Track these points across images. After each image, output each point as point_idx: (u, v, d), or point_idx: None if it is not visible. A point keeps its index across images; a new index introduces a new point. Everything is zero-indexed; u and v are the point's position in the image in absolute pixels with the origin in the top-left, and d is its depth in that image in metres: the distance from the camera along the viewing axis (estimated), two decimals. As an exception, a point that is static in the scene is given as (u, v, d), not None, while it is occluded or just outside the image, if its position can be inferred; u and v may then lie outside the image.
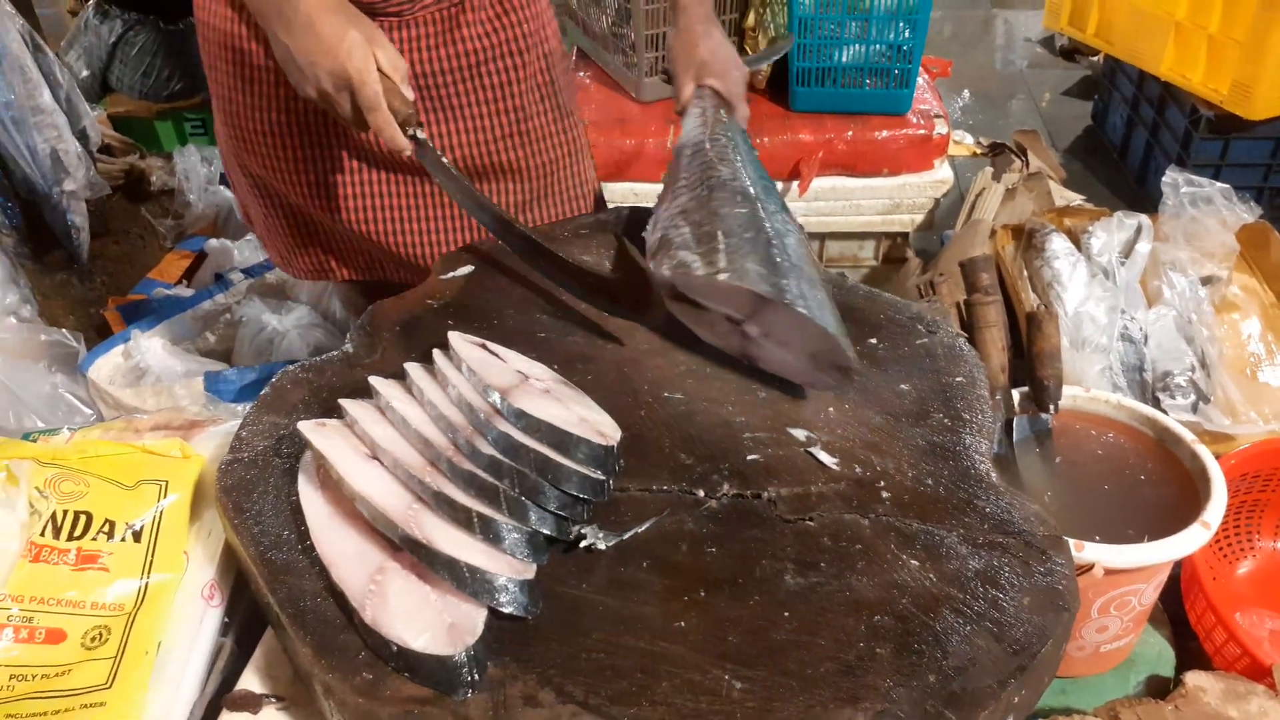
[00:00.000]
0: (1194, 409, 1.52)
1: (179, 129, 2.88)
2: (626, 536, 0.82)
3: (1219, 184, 1.84)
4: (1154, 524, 1.10)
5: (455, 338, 0.98)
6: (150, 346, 1.87)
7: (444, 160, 1.14)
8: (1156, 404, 1.53)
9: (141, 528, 0.93)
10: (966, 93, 3.74)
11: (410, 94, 1.10)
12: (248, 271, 2.20)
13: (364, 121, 1.09)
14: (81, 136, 2.32)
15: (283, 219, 1.46)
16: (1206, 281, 1.74)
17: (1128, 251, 1.77)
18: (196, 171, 2.58)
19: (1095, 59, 3.70)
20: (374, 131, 1.09)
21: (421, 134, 1.11)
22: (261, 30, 1.26)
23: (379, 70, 1.07)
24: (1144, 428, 1.25)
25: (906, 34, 2.07)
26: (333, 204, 1.38)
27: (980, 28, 4.43)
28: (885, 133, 2.13)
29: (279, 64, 1.12)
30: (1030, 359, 1.29)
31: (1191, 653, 1.24)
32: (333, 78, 1.06)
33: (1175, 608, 1.28)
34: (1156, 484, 1.19)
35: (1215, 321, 1.66)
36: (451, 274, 1.21)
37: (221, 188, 2.59)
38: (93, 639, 0.87)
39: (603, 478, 0.85)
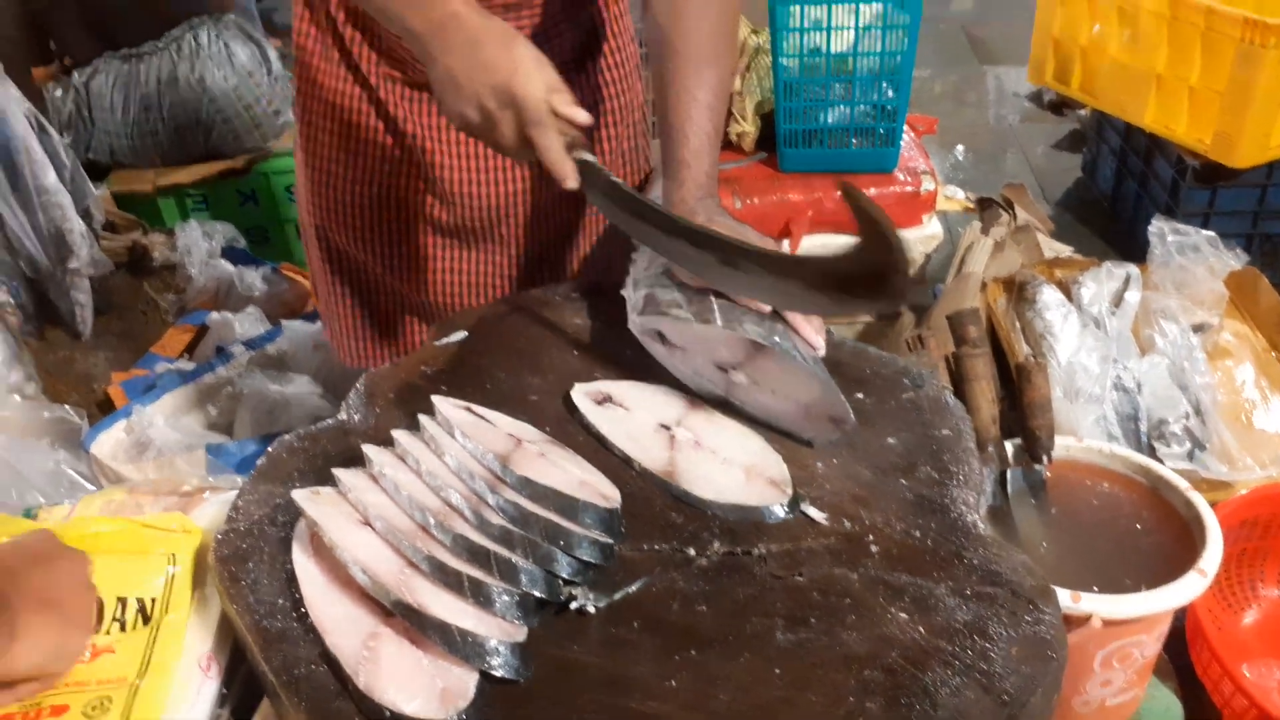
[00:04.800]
0: (1190, 457, 1.52)
1: (181, 205, 2.93)
2: (617, 597, 0.83)
3: (1205, 232, 1.86)
4: (1151, 573, 1.09)
5: (440, 401, 0.99)
6: (152, 421, 1.89)
7: (615, 179, 1.06)
8: (1153, 453, 1.54)
9: (145, 604, 0.93)
10: (960, 148, 3.80)
11: (582, 116, 1.05)
12: (249, 344, 2.22)
13: (524, 145, 1.05)
14: (85, 215, 2.37)
15: (352, 297, 1.47)
16: (1198, 329, 1.75)
17: (1118, 301, 1.79)
18: (198, 246, 2.63)
19: (1082, 112, 3.76)
20: (540, 152, 1.04)
21: (589, 156, 1.06)
22: (377, 97, 1.30)
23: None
24: (1138, 476, 1.25)
25: (890, 94, 2.11)
26: (421, 279, 1.40)
27: (970, 85, 4.51)
28: (873, 190, 2.16)
29: (435, 89, 1.07)
30: (1021, 410, 1.30)
31: (1200, 705, 1.23)
32: (497, 94, 1.02)
33: (1182, 659, 1.27)
34: (1152, 533, 1.19)
35: (1208, 369, 1.67)
36: (445, 340, 1.23)
37: (223, 261, 2.63)
38: (94, 707, 0.87)
39: (611, 541, 0.86)
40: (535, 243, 1.43)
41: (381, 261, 1.40)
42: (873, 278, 0.89)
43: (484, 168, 1.34)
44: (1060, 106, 4.01)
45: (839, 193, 2.18)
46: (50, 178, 2.18)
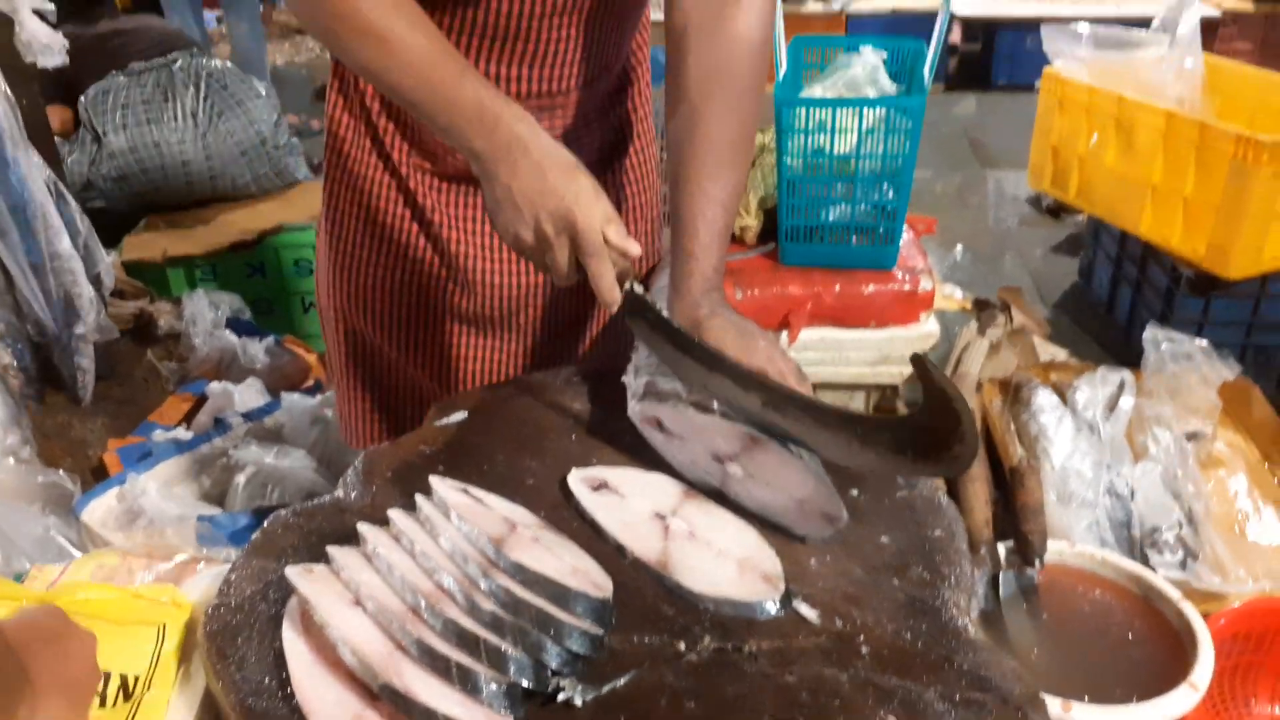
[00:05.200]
0: (1183, 566, 1.52)
1: (189, 275, 2.97)
2: (605, 690, 0.82)
3: (1199, 341, 1.89)
4: (1143, 684, 1.09)
5: (437, 482, 1.00)
6: (145, 489, 1.88)
7: (663, 314, 1.09)
8: (1145, 560, 1.53)
9: (128, 680, 0.92)
10: (959, 248, 3.86)
11: (634, 249, 1.08)
12: (248, 415, 2.23)
13: (573, 270, 1.08)
14: (95, 281, 2.40)
15: (367, 381, 1.49)
16: (1191, 437, 1.76)
17: (1112, 406, 1.81)
18: (204, 316, 2.65)
19: (1080, 218, 3.84)
20: (591, 279, 1.06)
21: (639, 288, 1.09)
22: (406, 186, 1.33)
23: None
24: (1130, 585, 1.25)
25: (891, 194, 2.16)
26: (437, 365, 1.42)
27: (970, 187, 4.61)
28: (872, 287, 2.20)
29: (491, 205, 1.10)
30: (1015, 513, 1.30)
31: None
32: (556, 221, 1.05)
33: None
34: (1144, 643, 1.18)
35: (1201, 478, 1.67)
36: (445, 421, 1.24)
37: (227, 332, 2.65)
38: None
39: (601, 633, 0.86)
40: (550, 330, 1.45)
41: (399, 347, 1.42)
42: (934, 445, 0.90)
43: (506, 258, 1.37)
44: (1058, 211, 4.09)
45: (837, 287, 2.22)
46: (64, 244, 2.22)
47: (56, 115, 3.01)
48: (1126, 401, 1.77)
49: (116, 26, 3.49)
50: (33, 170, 2.18)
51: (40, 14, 2.23)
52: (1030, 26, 5.11)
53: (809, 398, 1.00)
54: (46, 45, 2.23)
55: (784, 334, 2.20)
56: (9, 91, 2.13)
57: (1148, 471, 1.66)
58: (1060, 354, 2.18)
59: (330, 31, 1.10)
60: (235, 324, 2.72)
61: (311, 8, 1.09)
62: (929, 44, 2.20)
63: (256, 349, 2.63)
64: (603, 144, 1.41)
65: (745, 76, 1.16)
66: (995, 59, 5.82)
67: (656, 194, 1.54)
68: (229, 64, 3.24)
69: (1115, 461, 1.67)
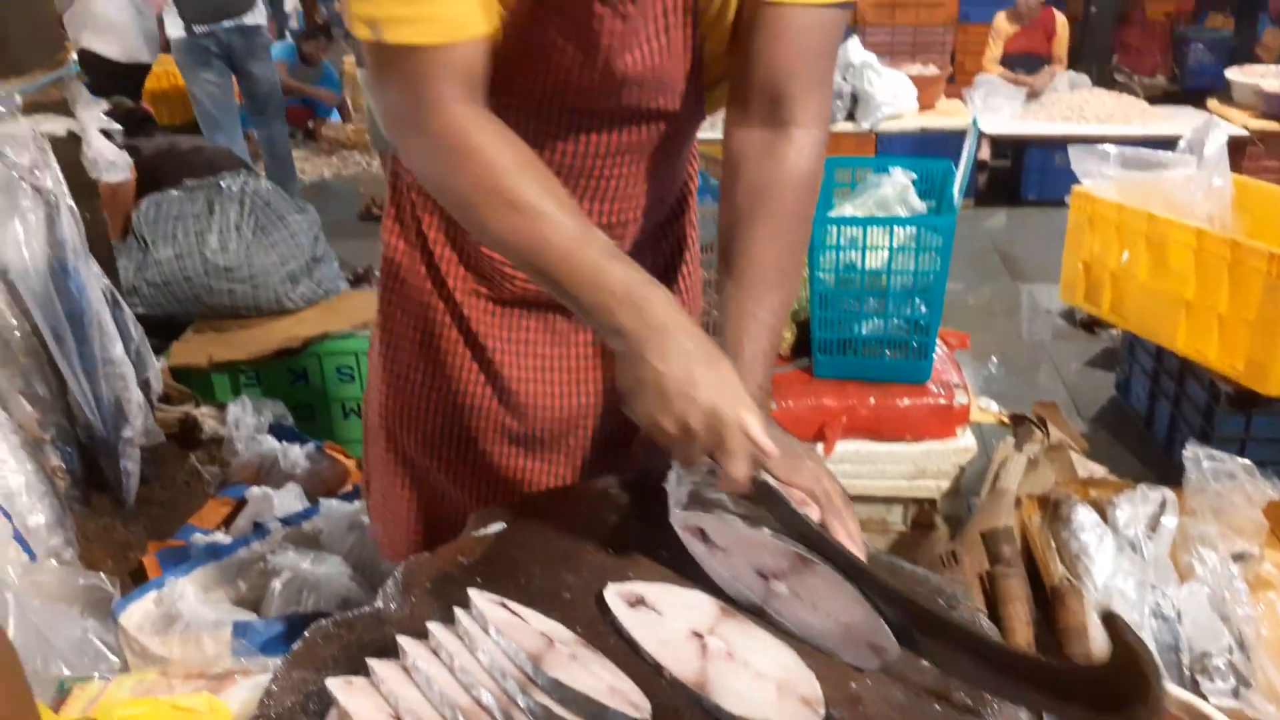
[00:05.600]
0: (1235, 694, 1.48)
1: (234, 380, 3.04)
2: (643, 812, 0.81)
3: (1241, 460, 1.87)
4: (1196, 818, 1.05)
5: (476, 596, 1.01)
6: (183, 594, 1.90)
7: (796, 508, 1.05)
8: (1195, 687, 1.49)
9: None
10: (993, 360, 3.87)
11: (771, 449, 1.04)
12: (286, 520, 2.25)
13: (699, 458, 1.06)
14: (144, 386, 2.46)
15: (414, 500, 1.51)
16: (1238, 558, 1.73)
17: (1154, 525, 1.78)
18: (246, 421, 2.70)
19: (1114, 332, 3.83)
20: (725, 471, 1.03)
21: (771, 480, 1.06)
22: (461, 312, 1.36)
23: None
24: (1181, 714, 1.22)
25: (923, 309, 2.19)
26: (484, 486, 1.44)
27: (1002, 299, 4.64)
28: (907, 400, 2.21)
29: (630, 386, 1.07)
30: (1056, 635, 1.28)
31: None
32: (703, 415, 1.02)
33: None
34: (1197, 774, 1.14)
35: (1251, 600, 1.64)
36: (483, 531, 1.25)
37: (269, 437, 2.70)
38: None
39: (635, 755, 0.85)
40: (598, 447, 1.47)
41: (445, 467, 1.44)
42: (1114, 703, 0.86)
43: (558, 380, 1.40)
44: (1092, 325, 4.09)
45: (872, 400, 2.23)
46: (117, 350, 2.29)
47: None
48: (1169, 520, 1.75)
49: (174, 144, 3.66)
50: (91, 279, 2.27)
51: (107, 133, 2.36)
52: (1058, 144, 5.22)
53: (965, 622, 0.97)
54: (111, 162, 2.35)
55: (819, 446, 2.21)
56: (73, 205, 2.24)
57: (1195, 593, 1.63)
58: (1099, 470, 2.16)
59: (468, 204, 1.08)
60: (277, 429, 2.77)
61: (448, 176, 1.09)
62: (957, 162, 2.26)
63: (297, 454, 2.67)
64: (657, 266, 1.45)
65: (793, 205, 1.19)
66: (1024, 175, 5.92)
67: (700, 309, 1.57)
68: (272, 184, 3.39)
69: (1160, 582, 1.64)
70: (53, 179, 2.18)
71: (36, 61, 2.24)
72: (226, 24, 5.06)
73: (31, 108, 2.17)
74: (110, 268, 2.54)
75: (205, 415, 2.74)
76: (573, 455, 1.46)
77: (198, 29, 4.96)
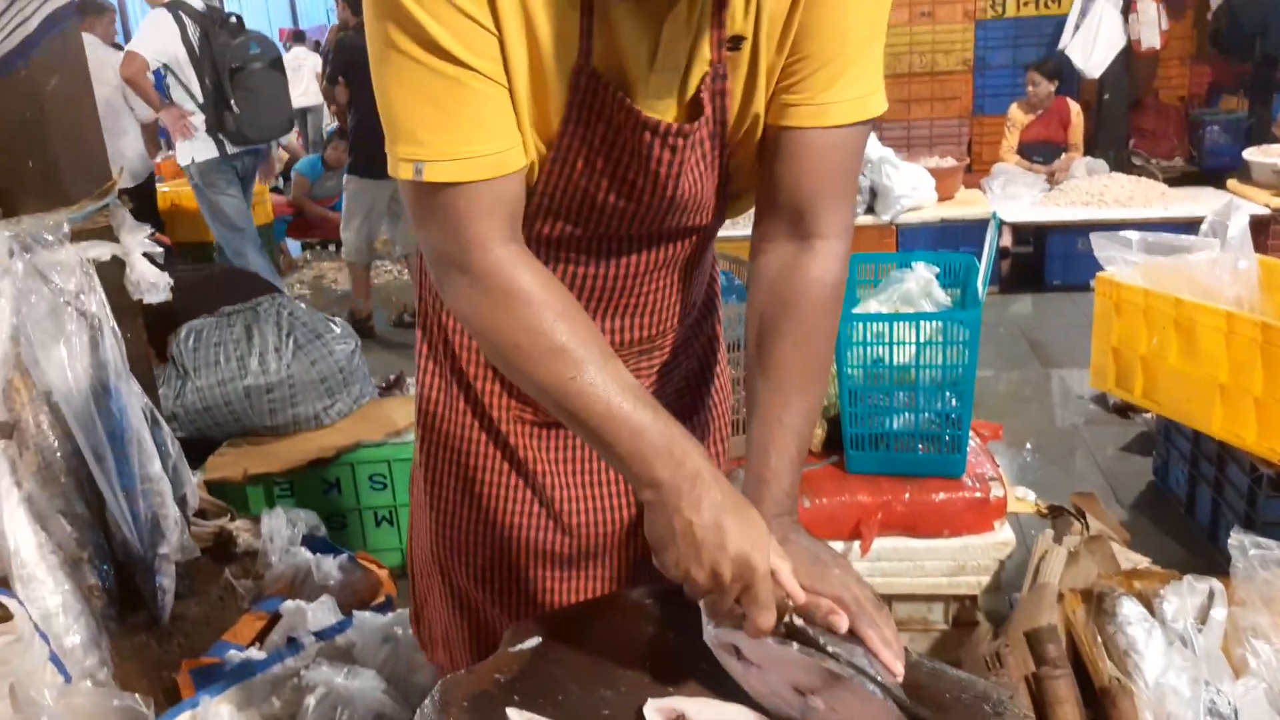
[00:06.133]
0: (1301, 795, 1.42)
1: (269, 492, 3.06)
2: None
3: (1288, 547, 1.83)
4: None
5: (515, 715, 1.00)
6: (217, 714, 1.89)
7: (821, 640, 1.03)
8: (1259, 788, 1.44)
9: None
10: (1028, 448, 3.82)
11: (799, 596, 1.06)
12: (319, 634, 2.24)
13: (729, 607, 1.06)
14: (181, 502, 2.49)
15: (469, 631, 1.51)
16: (1293, 649, 1.68)
17: (1203, 617, 1.74)
18: (280, 534, 2.71)
19: (1149, 416, 3.78)
20: (751, 618, 1.04)
21: (799, 621, 1.06)
22: (505, 441, 1.37)
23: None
24: (1244, 818, 1.17)
25: (953, 402, 2.18)
26: (535, 606, 1.44)
27: (1033, 386, 4.60)
28: (942, 495, 2.19)
29: (660, 534, 1.07)
30: (1109, 738, 1.24)
31: None
32: (735, 566, 1.02)
33: None
34: None
35: (1309, 693, 1.59)
36: (519, 647, 1.24)
37: (302, 549, 2.70)
38: None
39: None
40: (644, 556, 1.47)
41: (496, 597, 1.43)
42: None
43: (605, 494, 1.41)
44: (1126, 410, 4.05)
45: (907, 495, 2.21)
46: (155, 467, 2.32)
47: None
48: (1219, 612, 1.71)
49: (212, 272, 3.80)
50: (132, 399, 2.32)
51: (150, 256, 2.44)
52: (1080, 229, 5.24)
53: None
54: (154, 284, 2.42)
55: (855, 545, 2.18)
56: (116, 326, 2.30)
57: (1250, 688, 1.58)
58: (1142, 561, 2.12)
59: (511, 345, 1.08)
60: (310, 541, 2.78)
61: (491, 317, 1.09)
62: (979, 251, 2.28)
63: (330, 566, 2.67)
64: (690, 371, 1.47)
65: (816, 315, 1.21)
66: (1048, 260, 5.93)
67: (731, 405, 1.58)
68: (307, 306, 3.50)
69: (1214, 677, 1.60)
70: (97, 303, 2.25)
71: (84, 191, 2.33)
72: (261, 146, 5.28)
73: (79, 235, 2.25)
74: (150, 385, 2.60)
75: (240, 529, 2.76)
76: (619, 566, 1.46)
77: (232, 149, 5.16)
